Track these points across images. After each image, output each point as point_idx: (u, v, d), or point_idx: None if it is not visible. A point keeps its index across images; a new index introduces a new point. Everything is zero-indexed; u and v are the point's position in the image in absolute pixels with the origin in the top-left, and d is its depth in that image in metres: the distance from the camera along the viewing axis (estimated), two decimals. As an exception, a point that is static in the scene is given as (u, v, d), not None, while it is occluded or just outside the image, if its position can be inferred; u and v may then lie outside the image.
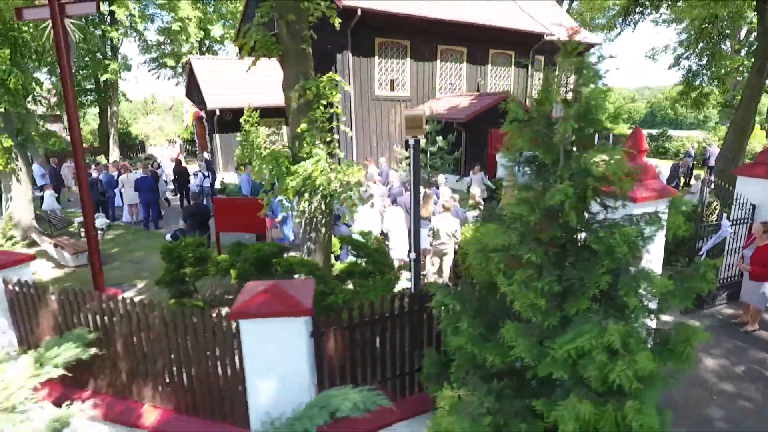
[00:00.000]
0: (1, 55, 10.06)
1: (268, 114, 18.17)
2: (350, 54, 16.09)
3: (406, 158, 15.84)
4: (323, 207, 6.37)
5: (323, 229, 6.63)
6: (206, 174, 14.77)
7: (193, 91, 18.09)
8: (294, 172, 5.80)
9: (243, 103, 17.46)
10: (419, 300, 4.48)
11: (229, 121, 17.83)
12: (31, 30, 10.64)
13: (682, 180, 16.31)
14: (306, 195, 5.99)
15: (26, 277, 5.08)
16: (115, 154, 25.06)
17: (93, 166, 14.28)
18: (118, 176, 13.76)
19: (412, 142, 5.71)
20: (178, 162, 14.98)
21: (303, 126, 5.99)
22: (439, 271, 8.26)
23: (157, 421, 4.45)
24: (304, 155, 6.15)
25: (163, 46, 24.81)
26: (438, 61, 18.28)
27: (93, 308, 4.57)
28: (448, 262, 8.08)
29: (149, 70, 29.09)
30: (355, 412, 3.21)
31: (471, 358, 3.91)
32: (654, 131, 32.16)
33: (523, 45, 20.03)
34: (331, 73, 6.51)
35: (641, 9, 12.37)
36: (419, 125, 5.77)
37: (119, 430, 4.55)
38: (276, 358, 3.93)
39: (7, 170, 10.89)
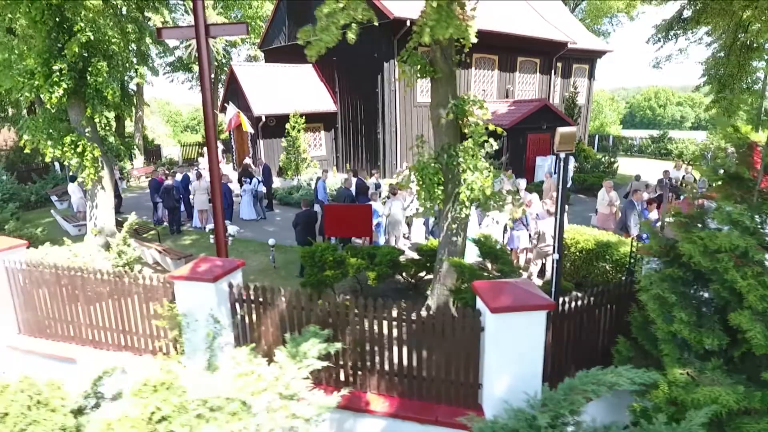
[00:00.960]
0: (100, 67, 10.38)
1: (310, 119, 18.63)
2: (395, 63, 16.70)
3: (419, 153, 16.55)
4: (467, 214, 7.03)
5: (462, 234, 7.28)
6: (260, 179, 15.19)
7: (236, 98, 18.43)
8: (467, 183, 6.41)
9: (285, 108, 17.90)
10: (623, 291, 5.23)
11: (272, 126, 18.24)
12: (119, 42, 10.94)
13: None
14: (467, 203, 6.62)
15: (238, 281, 5.60)
16: (139, 160, 25.09)
17: (165, 173, 14.49)
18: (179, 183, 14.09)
19: (562, 155, 6.43)
20: (245, 167, 15.34)
21: (467, 142, 6.62)
22: (542, 272, 8.99)
23: (389, 406, 5.04)
24: (457, 166, 6.77)
25: (187, 50, 24.98)
26: (473, 68, 19.05)
27: (324, 310, 5.14)
28: (550, 261, 8.81)
29: (164, 74, 29.16)
30: (632, 387, 3.89)
31: (681, 342, 4.66)
32: (654, 133, 33.65)
33: (547, 53, 20.96)
34: (474, 95, 7.16)
35: (683, 25, 13.30)
36: (571, 141, 6.49)
37: (350, 416, 5.13)
38: (516, 348, 4.58)
39: (96, 179, 11.18)
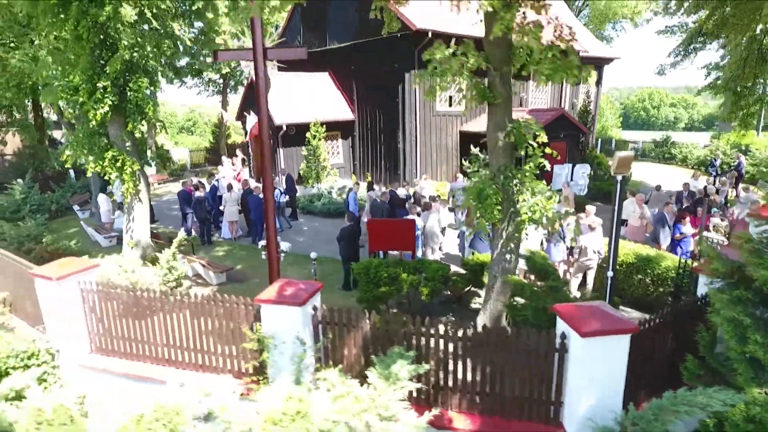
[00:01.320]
0: (140, 83, 10.53)
1: (327, 127, 18.81)
2: (416, 71, 16.93)
3: (472, 171, 16.79)
4: (521, 233, 7.29)
5: (516, 251, 7.53)
6: (282, 190, 15.33)
7: (255, 106, 18.56)
8: (530, 206, 6.65)
9: (305, 117, 18.09)
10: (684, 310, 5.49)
11: (292, 135, 18.40)
12: (156, 57, 11.08)
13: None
14: (527, 224, 6.86)
15: (317, 302, 5.80)
16: (153, 168, 25.12)
17: (193, 184, 14.60)
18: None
19: (619, 178, 6.71)
20: (289, 178, 15.46)
21: (527, 166, 6.86)
22: (583, 285, 9.27)
23: (471, 424, 5.28)
24: (514, 187, 7.01)
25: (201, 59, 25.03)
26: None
27: (410, 331, 5.36)
28: (591, 275, 9.10)
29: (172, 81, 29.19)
30: (724, 408, 4.15)
31: (754, 363, 4.93)
32: (657, 136, 34.12)
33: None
34: (529, 118, 7.41)
35: (703, 38, 13.67)
36: (628, 165, 6.77)
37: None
38: (601, 369, 4.82)
39: (134, 192, 11.31)
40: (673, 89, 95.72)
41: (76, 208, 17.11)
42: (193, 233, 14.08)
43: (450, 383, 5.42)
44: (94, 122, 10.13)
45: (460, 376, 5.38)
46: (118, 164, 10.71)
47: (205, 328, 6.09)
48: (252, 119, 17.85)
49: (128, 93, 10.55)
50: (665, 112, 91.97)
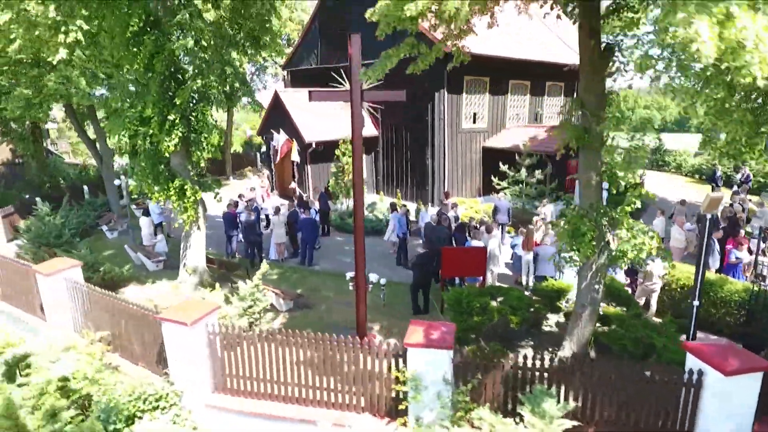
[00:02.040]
0: (206, 113, 10.66)
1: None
2: (446, 92, 17.40)
3: (503, 188, 17.36)
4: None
5: (602, 282, 8.02)
6: (317, 209, 15.51)
7: (281, 124, 18.68)
8: (634, 245, 7.11)
9: (333, 135, 18.33)
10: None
11: (320, 152, 18.60)
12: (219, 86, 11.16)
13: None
14: (626, 260, 7.35)
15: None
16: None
17: (242, 206, 14.62)
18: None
19: (708, 216, 7.28)
20: (300, 197, 15.60)
21: (624, 206, 7.33)
22: (646, 307, 9.85)
23: (610, 454, 5.71)
24: (605, 223, 7.49)
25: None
26: (509, 94, 19.93)
27: (552, 369, 5.77)
28: (655, 299, 9.69)
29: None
30: None
31: None
32: (650, 142, 35.24)
33: (571, 77, 22.06)
34: (618, 158, 7.91)
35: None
36: (717, 205, 7.34)
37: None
38: (736, 404, 5.32)
39: (195, 219, 11.38)
40: (646, 91, 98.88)
41: (104, 228, 16.90)
42: (237, 255, 14.18)
43: (594, 417, 5.85)
44: (166, 153, 10.19)
45: (598, 410, 5.82)
46: (186, 193, 10.78)
47: (340, 368, 6.35)
48: (280, 137, 17.97)
49: (193, 123, 10.65)
50: (639, 113, 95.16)
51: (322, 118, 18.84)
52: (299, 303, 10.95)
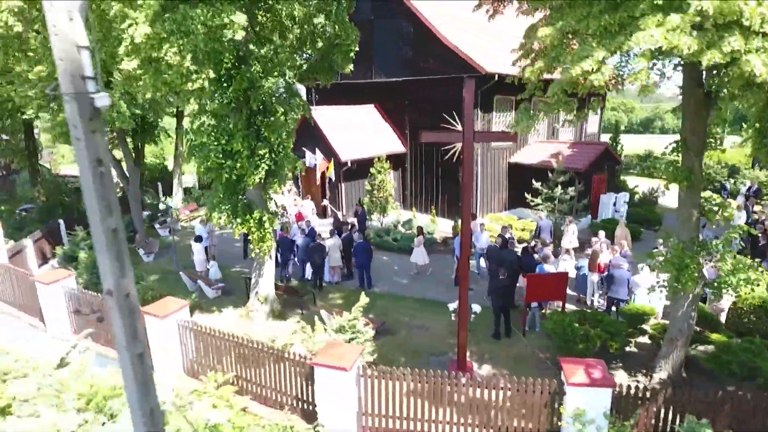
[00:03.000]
0: (287, 145, 10.74)
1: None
2: (479, 111, 17.90)
3: (537, 205, 17.96)
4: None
5: (696, 310, 8.63)
6: (357, 228, 15.72)
7: (314, 142, 18.74)
8: (751, 280, 7.67)
9: (367, 153, 18.58)
10: None
11: (354, 170, 18.79)
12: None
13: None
14: (731, 291, 7.95)
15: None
16: (177, 197, 24.38)
17: (296, 229, 14.64)
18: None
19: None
20: (336, 218, 15.73)
21: (723, 241, 7.90)
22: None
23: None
24: (705, 256, 8.10)
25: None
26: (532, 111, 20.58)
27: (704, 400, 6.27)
28: (723, 317, 10.41)
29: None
30: None
31: None
32: (640, 149, 36.95)
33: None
34: (711, 195, 8.53)
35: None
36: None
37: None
38: None
39: (270, 249, 11.42)
40: (612, 94, 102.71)
41: (141, 252, 16.58)
42: (292, 280, 14.26)
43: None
44: (252, 186, 10.24)
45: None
46: (265, 225, 10.83)
47: (496, 404, 6.67)
48: (316, 156, 18.07)
49: (275, 155, 10.70)
50: (607, 115, 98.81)
51: (353, 135, 19.03)
52: (380, 329, 11.16)
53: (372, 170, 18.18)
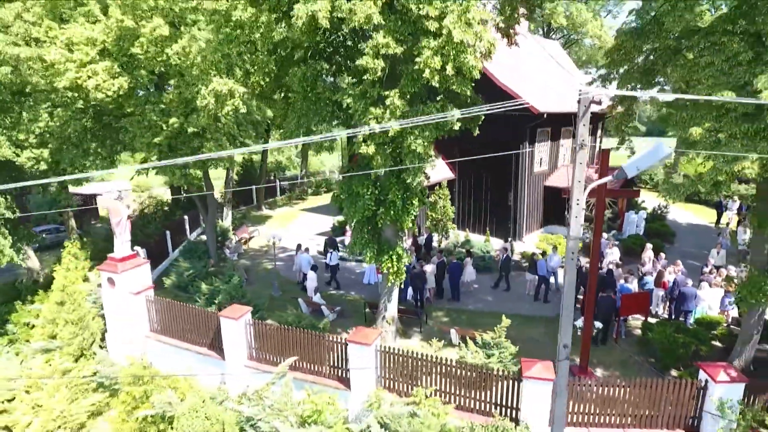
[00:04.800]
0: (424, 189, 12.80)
1: (430, 187, 21.55)
2: (527, 143, 20.48)
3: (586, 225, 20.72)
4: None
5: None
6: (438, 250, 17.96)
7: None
8: None
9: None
10: None
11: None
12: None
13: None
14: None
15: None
16: (228, 218, 25.65)
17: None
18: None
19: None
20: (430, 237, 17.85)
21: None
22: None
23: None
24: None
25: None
26: (561, 138, 23.44)
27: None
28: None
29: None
30: None
31: None
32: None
33: (596, 119, 26.11)
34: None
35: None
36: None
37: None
38: None
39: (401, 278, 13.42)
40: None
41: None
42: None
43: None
44: (405, 228, 12.25)
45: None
46: (402, 258, 12.83)
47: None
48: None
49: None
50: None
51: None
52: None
53: (433, 196, 20.37)
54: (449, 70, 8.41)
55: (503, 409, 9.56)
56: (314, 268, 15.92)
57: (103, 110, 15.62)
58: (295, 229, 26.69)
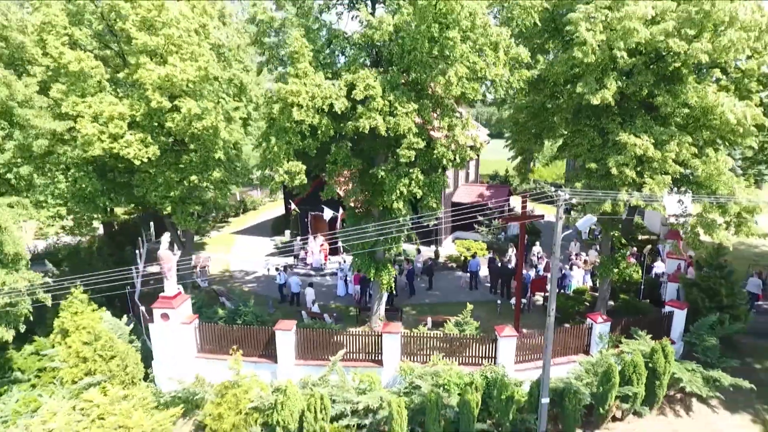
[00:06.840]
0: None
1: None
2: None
3: (479, 230, 27.68)
4: None
5: None
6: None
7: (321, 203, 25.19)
8: None
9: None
10: None
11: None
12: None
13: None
14: None
15: None
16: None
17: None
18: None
19: None
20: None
21: None
22: None
23: None
24: None
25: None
26: (460, 165, 30.49)
27: None
28: None
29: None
30: None
31: None
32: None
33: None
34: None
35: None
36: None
37: None
38: None
39: (390, 286, 18.44)
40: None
41: (223, 300, 21.07)
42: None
43: None
44: (394, 251, 17.29)
45: None
46: (391, 272, 17.86)
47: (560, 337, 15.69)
48: (329, 212, 24.47)
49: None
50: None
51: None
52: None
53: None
54: (457, 158, 14.15)
55: (487, 360, 15.31)
56: (311, 285, 19.98)
57: (112, 167, 17.70)
58: (242, 254, 29.47)
